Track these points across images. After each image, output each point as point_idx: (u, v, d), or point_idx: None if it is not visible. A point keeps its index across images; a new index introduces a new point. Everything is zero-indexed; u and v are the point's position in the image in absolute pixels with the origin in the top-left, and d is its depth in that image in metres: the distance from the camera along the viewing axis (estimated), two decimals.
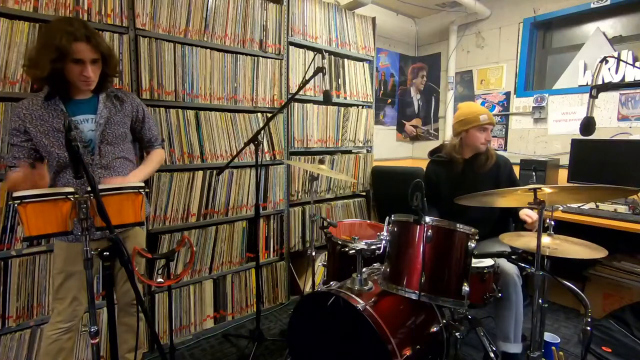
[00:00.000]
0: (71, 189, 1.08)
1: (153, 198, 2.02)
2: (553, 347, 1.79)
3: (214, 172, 2.21)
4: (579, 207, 2.45)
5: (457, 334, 1.55)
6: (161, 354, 1.36)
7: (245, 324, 2.43)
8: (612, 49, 2.79)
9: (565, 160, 2.78)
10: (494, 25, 3.42)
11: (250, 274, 2.48)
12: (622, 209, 2.33)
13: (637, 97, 2.63)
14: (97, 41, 1.35)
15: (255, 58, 2.38)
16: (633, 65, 2.63)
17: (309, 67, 2.64)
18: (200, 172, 2.18)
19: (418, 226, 1.45)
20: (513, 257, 1.55)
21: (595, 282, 2.49)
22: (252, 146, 1.96)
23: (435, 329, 1.54)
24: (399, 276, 1.48)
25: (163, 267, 1.61)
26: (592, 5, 2.82)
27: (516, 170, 2.19)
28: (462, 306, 1.45)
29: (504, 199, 1.46)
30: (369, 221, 2.39)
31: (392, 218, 1.58)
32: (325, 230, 2.00)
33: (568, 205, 2.45)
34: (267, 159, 2.51)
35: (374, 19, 3.16)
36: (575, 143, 2.67)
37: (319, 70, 1.88)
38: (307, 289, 2.71)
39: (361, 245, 1.64)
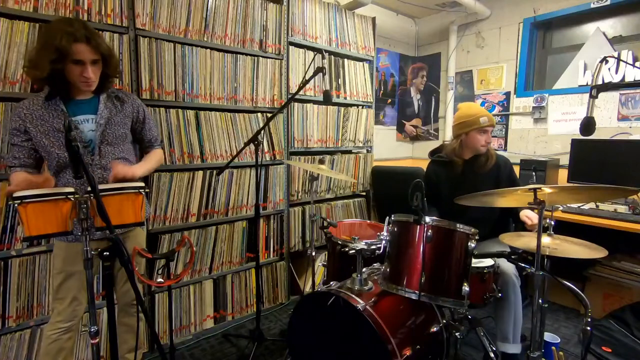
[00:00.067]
0: (71, 189, 1.08)
1: (153, 198, 2.02)
2: (553, 347, 1.80)
3: (214, 172, 2.21)
4: (579, 207, 2.45)
5: (457, 334, 1.55)
6: (161, 354, 1.36)
7: (245, 324, 2.43)
8: (612, 49, 2.79)
9: (565, 160, 2.78)
10: (494, 25, 3.42)
11: (250, 274, 2.48)
12: (622, 209, 2.33)
13: (637, 97, 2.63)
14: (97, 42, 1.35)
15: (255, 58, 2.38)
16: (633, 65, 2.63)
17: (309, 67, 2.64)
18: (200, 172, 2.18)
19: (418, 226, 1.45)
20: (513, 257, 1.55)
21: (595, 282, 2.49)
22: (252, 146, 1.96)
23: (435, 329, 1.54)
24: (399, 276, 1.48)
25: (163, 267, 1.61)
26: (592, 5, 2.82)
27: (516, 170, 2.19)
28: (462, 306, 1.45)
29: (504, 199, 1.46)
30: (369, 221, 2.39)
31: (392, 218, 1.58)
32: (325, 230, 2.00)
33: (568, 205, 2.45)
34: (267, 159, 2.51)
35: (374, 19, 3.16)
36: (575, 143, 2.67)
37: (319, 70, 1.88)
38: (307, 289, 2.71)
39: (361, 245, 1.64)
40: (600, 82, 2.68)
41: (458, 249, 1.44)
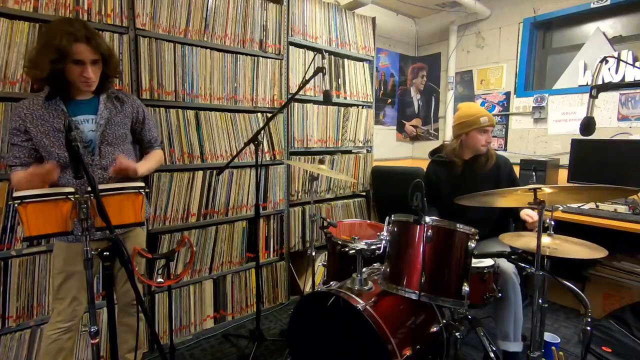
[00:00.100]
0: (71, 189, 1.08)
1: (153, 198, 2.02)
2: (553, 347, 1.80)
3: (214, 172, 2.21)
4: (579, 207, 2.45)
5: (457, 334, 1.55)
6: (161, 354, 1.36)
7: (245, 324, 2.43)
8: (612, 49, 2.79)
9: (565, 160, 2.78)
10: (494, 25, 3.42)
11: (250, 274, 2.48)
12: (622, 209, 2.33)
13: (637, 97, 2.63)
14: (98, 42, 1.35)
15: (255, 58, 2.38)
16: (633, 65, 2.63)
17: (309, 67, 2.64)
18: (200, 172, 2.18)
19: (418, 226, 1.45)
20: (513, 257, 1.55)
21: (595, 282, 2.49)
22: (252, 146, 1.96)
23: (435, 329, 1.54)
24: (399, 276, 1.48)
25: (163, 267, 1.61)
26: (592, 5, 2.82)
27: (516, 170, 2.19)
28: (462, 306, 1.45)
29: (504, 199, 1.46)
30: (369, 221, 2.39)
31: (392, 218, 1.58)
32: (325, 230, 2.00)
33: (568, 205, 2.45)
34: (267, 159, 2.51)
35: (374, 19, 3.16)
36: (575, 143, 2.67)
37: (319, 70, 1.88)
38: (307, 289, 2.71)
39: (361, 245, 1.64)
40: (600, 82, 2.68)
41: (458, 249, 1.44)
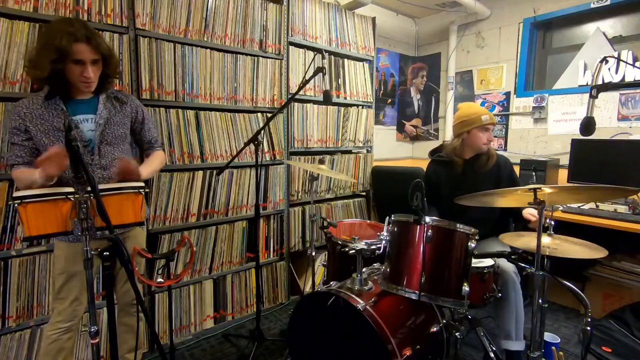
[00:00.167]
0: (71, 189, 1.08)
1: (153, 198, 2.02)
2: (553, 347, 1.80)
3: (214, 172, 2.21)
4: (579, 207, 2.45)
5: (457, 334, 1.55)
6: (161, 354, 1.36)
7: (245, 324, 2.43)
8: (612, 49, 2.79)
9: (565, 160, 2.78)
10: (494, 25, 3.42)
11: (250, 274, 2.48)
12: (622, 209, 2.33)
13: (637, 97, 2.63)
14: (98, 42, 1.35)
15: (255, 58, 2.38)
16: (633, 65, 2.63)
17: (309, 67, 2.64)
18: (200, 172, 2.18)
19: (418, 226, 1.45)
20: (513, 257, 1.55)
21: (595, 282, 2.49)
22: (252, 146, 1.96)
23: (435, 329, 1.54)
24: (399, 276, 1.48)
25: (163, 267, 1.61)
26: (592, 5, 2.82)
27: (516, 170, 2.19)
28: (462, 306, 1.45)
29: (504, 199, 1.46)
30: (369, 221, 2.39)
31: (392, 218, 1.58)
32: (325, 230, 2.00)
33: (568, 205, 2.45)
34: (267, 159, 2.51)
35: (374, 19, 3.16)
36: (575, 143, 2.67)
37: (319, 70, 1.88)
38: (307, 289, 2.71)
39: (361, 245, 1.64)
40: (600, 82, 2.68)
41: (458, 249, 1.44)
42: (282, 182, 2.61)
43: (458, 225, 1.44)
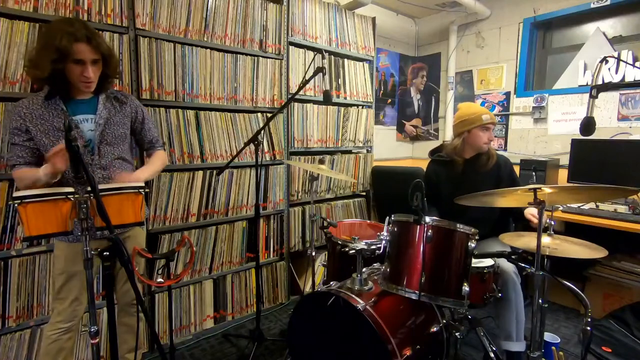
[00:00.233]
0: (71, 189, 1.08)
1: (153, 198, 2.02)
2: (553, 347, 1.80)
3: (214, 172, 2.21)
4: (579, 207, 2.45)
5: (457, 334, 1.55)
6: (161, 354, 1.36)
7: (245, 324, 2.43)
8: (612, 49, 2.79)
9: (565, 160, 2.78)
10: (494, 25, 3.42)
11: (250, 274, 2.48)
12: (622, 209, 2.33)
13: (637, 97, 2.63)
14: (98, 42, 1.35)
15: (255, 58, 2.38)
16: (633, 65, 2.63)
17: (309, 67, 2.64)
18: (200, 172, 2.18)
19: (418, 226, 1.45)
20: (513, 257, 1.55)
21: (595, 282, 2.49)
22: (252, 146, 1.96)
23: (435, 329, 1.54)
24: (399, 276, 1.48)
25: (163, 267, 1.61)
26: (592, 5, 2.82)
27: (516, 170, 2.19)
28: (462, 306, 1.45)
29: (504, 199, 1.46)
30: (369, 221, 2.39)
31: (392, 218, 1.58)
32: (325, 230, 2.00)
33: (568, 205, 2.45)
34: (267, 159, 2.51)
35: (374, 19, 3.16)
36: (575, 143, 2.67)
37: (319, 70, 1.88)
38: (307, 289, 2.71)
39: (361, 245, 1.64)
40: (600, 82, 2.67)
41: (458, 249, 1.44)
42: (282, 182, 2.61)
43: (458, 225, 1.44)
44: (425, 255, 1.43)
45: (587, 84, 2.89)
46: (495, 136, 3.41)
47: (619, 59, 2.69)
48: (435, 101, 3.97)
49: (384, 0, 3.53)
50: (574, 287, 1.43)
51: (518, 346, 1.75)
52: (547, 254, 1.34)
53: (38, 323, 1.73)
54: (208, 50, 2.17)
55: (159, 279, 1.76)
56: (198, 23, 2.11)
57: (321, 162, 2.15)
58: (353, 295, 1.46)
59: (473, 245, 1.43)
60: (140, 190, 1.23)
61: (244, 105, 2.36)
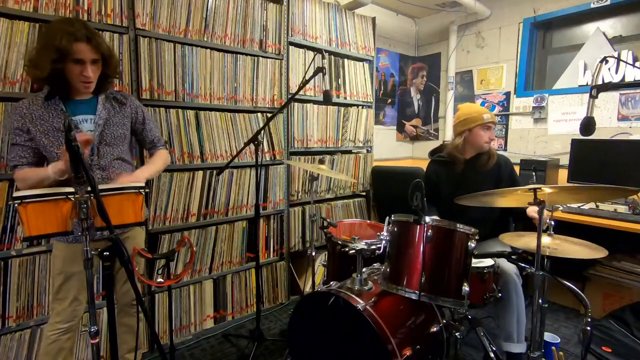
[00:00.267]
0: (71, 189, 1.08)
1: (153, 198, 2.02)
2: (553, 347, 1.80)
3: (214, 172, 2.21)
4: (579, 207, 2.45)
5: (457, 334, 1.55)
6: (161, 354, 1.36)
7: (245, 324, 2.43)
8: (612, 49, 2.79)
9: (565, 160, 2.78)
10: (494, 25, 3.42)
11: (250, 274, 2.48)
12: (622, 209, 2.33)
13: (637, 97, 2.63)
14: (98, 42, 1.35)
15: (255, 58, 2.38)
16: (633, 65, 2.63)
17: (309, 67, 2.64)
18: (200, 172, 2.18)
19: (418, 226, 1.45)
20: (513, 257, 1.55)
21: (595, 282, 2.49)
22: (252, 146, 1.96)
23: (435, 329, 1.54)
24: (399, 276, 1.48)
25: (163, 267, 1.61)
26: (592, 5, 2.82)
27: (516, 170, 2.19)
28: (462, 306, 1.45)
29: (504, 199, 1.46)
30: (369, 221, 2.39)
31: (392, 218, 1.58)
32: (325, 230, 2.00)
33: (568, 205, 2.45)
34: (267, 159, 2.51)
35: (374, 19, 3.16)
36: (575, 143, 2.67)
37: (319, 70, 1.88)
38: (307, 289, 2.71)
39: (361, 245, 1.64)
40: (600, 82, 2.68)
41: (458, 249, 1.44)
42: (282, 182, 2.61)
43: (458, 225, 1.44)
44: (425, 255, 1.43)
45: (587, 84, 2.89)
46: (496, 136, 3.41)
47: (619, 59, 2.69)
48: (435, 101, 3.97)
49: (384, 0, 3.53)
50: (574, 287, 1.43)
51: (519, 347, 1.75)
52: (547, 254, 1.34)
53: (38, 323, 1.73)
54: (208, 50, 2.17)
55: (159, 279, 1.76)
56: (198, 23, 2.11)
57: (321, 162, 2.15)
58: (353, 295, 1.46)
59: (473, 245, 1.43)
60: (140, 190, 1.23)
61: (244, 105, 2.36)
